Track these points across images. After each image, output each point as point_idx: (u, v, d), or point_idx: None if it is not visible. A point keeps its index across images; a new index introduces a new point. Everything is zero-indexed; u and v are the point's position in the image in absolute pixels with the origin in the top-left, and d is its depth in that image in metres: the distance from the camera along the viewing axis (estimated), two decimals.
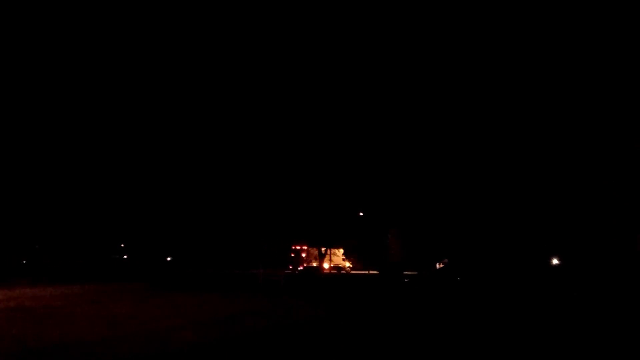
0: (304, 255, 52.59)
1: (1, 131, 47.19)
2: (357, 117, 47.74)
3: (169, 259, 73.18)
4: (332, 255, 53.04)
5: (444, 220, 44.97)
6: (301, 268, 47.95)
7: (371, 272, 52.15)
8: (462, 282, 23.30)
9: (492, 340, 8.69)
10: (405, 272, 34.19)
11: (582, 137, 36.08)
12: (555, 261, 36.72)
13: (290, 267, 48.11)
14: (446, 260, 38.47)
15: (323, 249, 51.87)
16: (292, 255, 52.54)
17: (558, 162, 38.29)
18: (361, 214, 50.02)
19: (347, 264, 55.18)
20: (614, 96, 34.80)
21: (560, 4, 36.40)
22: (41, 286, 20.40)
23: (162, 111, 56.28)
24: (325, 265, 51.66)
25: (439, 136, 43.08)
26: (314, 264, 50.60)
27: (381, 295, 20.25)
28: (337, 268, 53.20)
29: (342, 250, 55.00)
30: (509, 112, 40.30)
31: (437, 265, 41.88)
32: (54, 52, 49.15)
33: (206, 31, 54.29)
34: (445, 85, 43.19)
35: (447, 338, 8.85)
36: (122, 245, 77.60)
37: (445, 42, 42.77)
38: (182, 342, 7.68)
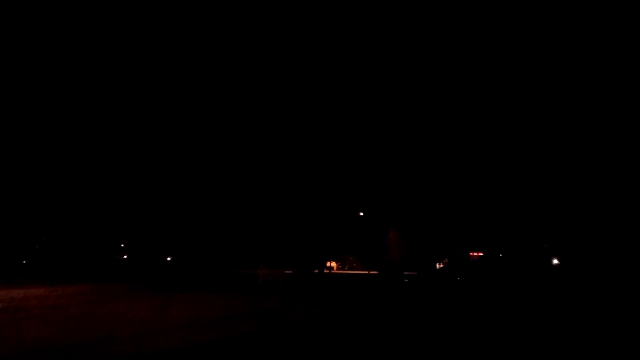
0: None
1: (1, 131, 47.20)
2: (357, 118, 47.74)
3: (169, 258, 73.20)
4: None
5: (444, 220, 44.98)
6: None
7: (371, 272, 52.16)
8: (462, 282, 23.31)
9: (493, 340, 8.69)
10: (405, 272, 34.19)
11: (582, 138, 36.07)
12: (555, 261, 36.78)
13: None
14: (446, 260, 38.50)
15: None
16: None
17: (558, 163, 38.29)
18: (361, 214, 50.06)
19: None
20: (614, 96, 34.79)
21: (560, 4, 36.40)
22: (41, 286, 20.39)
23: (162, 111, 56.28)
24: None
25: (439, 136, 43.09)
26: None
27: (381, 295, 20.24)
28: None
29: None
30: (509, 113, 40.31)
31: (437, 265, 41.93)
32: (54, 52, 49.13)
33: (206, 31, 54.27)
34: (445, 85, 43.19)
35: (447, 338, 8.85)
36: (122, 245, 77.65)
37: (445, 42, 42.77)
38: (179, 342, 7.68)
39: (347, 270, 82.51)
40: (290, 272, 37.83)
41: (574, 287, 24.04)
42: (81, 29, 49.83)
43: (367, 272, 54.46)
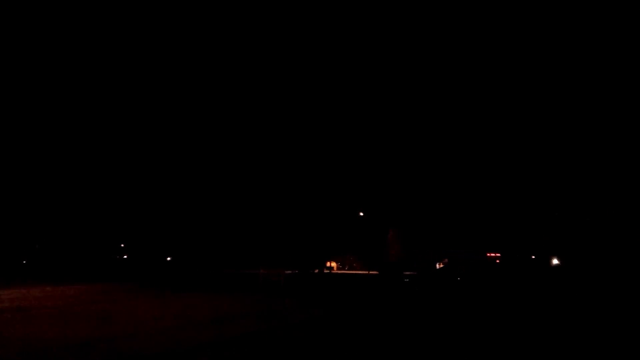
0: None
1: (1, 131, 47.21)
2: (357, 118, 47.71)
3: (169, 259, 73.19)
4: None
5: (444, 220, 45.00)
6: None
7: (371, 272, 52.18)
8: (462, 282, 23.31)
9: (492, 340, 8.69)
10: (405, 272, 34.17)
11: (582, 138, 36.05)
12: (555, 261, 36.79)
13: None
14: (446, 260, 38.49)
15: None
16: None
17: (558, 163, 38.26)
18: (361, 214, 50.03)
19: None
20: (614, 96, 34.77)
21: (560, 4, 36.38)
22: (41, 286, 20.40)
23: (162, 111, 56.24)
24: None
25: (439, 136, 43.08)
26: None
27: (381, 295, 20.24)
28: None
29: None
30: (509, 113, 40.31)
31: (437, 265, 41.92)
32: (54, 52, 49.12)
33: (206, 31, 54.24)
34: (445, 85, 43.19)
35: (447, 338, 8.85)
36: (122, 245, 77.67)
37: (445, 42, 42.74)
38: (180, 342, 7.68)
39: (347, 270, 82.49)
40: (290, 272, 37.82)
41: (574, 287, 24.04)
42: (81, 29, 49.82)
43: (367, 272, 54.46)
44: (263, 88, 53.72)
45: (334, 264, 76.34)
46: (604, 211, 35.61)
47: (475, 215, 45.11)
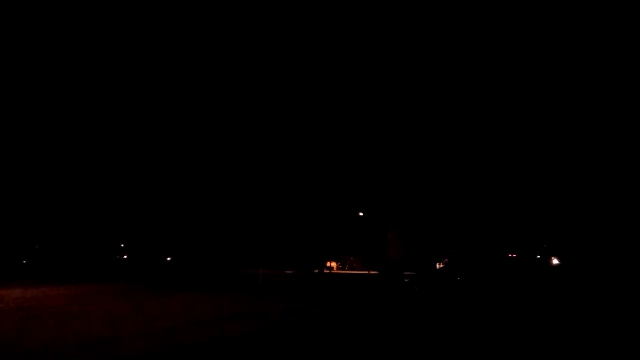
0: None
1: (1, 131, 47.24)
2: (357, 118, 47.73)
3: (169, 259, 73.17)
4: None
5: (444, 220, 45.00)
6: None
7: (371, 272, 52.17)
8: (462, 282, 23.29)
9: (492, 340, 8.69)
10: (405, 272, 34.17)
11: (582, 138, 36.07)
12: (555, 261, 36.77)
13: None
14: (446, 260, 38.43)
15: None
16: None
17: (558, 163, 38.28)
18: (361, 214, 50.00)
19: None
20: (614, 96, 34.78)
21: (560, 4, 36.39)
22: (42, 286, 20.39)
23: (162, 111, 56.24)
24: None
25: (439, 136, 43.11)
26: None
27: (381, 295, 20.24)
28: None
29: None
30: (509, 113, 40.32)
31: (437, 265, 41.88)
32: (54, 52, 49.13)
33: (206, 31, 54.25)
34: (445, 85, 43.21)
35: (447, 338, 8.85)
36: (122, 245, 77.61)
37: (445, 42, 42.75)
38: (181, 342, 7.69)
39: (347, 270, 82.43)
40: (290, 272, 37.85)
41: (574, 287, 24.05)
42: (81, 29, 49.83)
43: (367, 272, 54.42)
44: (263, 88, 53.71)
45: (334, 264, 76.26)
46: (604, 211, 35.63)
47: (475, 215, 45.15)
